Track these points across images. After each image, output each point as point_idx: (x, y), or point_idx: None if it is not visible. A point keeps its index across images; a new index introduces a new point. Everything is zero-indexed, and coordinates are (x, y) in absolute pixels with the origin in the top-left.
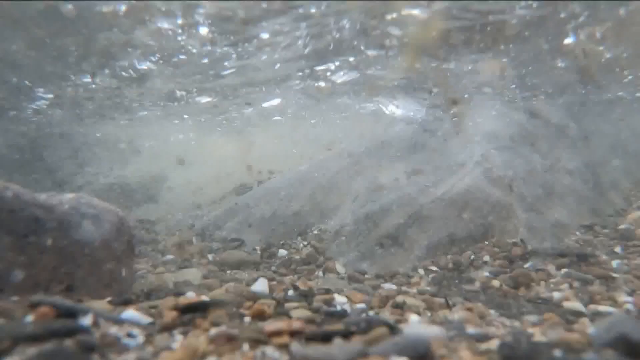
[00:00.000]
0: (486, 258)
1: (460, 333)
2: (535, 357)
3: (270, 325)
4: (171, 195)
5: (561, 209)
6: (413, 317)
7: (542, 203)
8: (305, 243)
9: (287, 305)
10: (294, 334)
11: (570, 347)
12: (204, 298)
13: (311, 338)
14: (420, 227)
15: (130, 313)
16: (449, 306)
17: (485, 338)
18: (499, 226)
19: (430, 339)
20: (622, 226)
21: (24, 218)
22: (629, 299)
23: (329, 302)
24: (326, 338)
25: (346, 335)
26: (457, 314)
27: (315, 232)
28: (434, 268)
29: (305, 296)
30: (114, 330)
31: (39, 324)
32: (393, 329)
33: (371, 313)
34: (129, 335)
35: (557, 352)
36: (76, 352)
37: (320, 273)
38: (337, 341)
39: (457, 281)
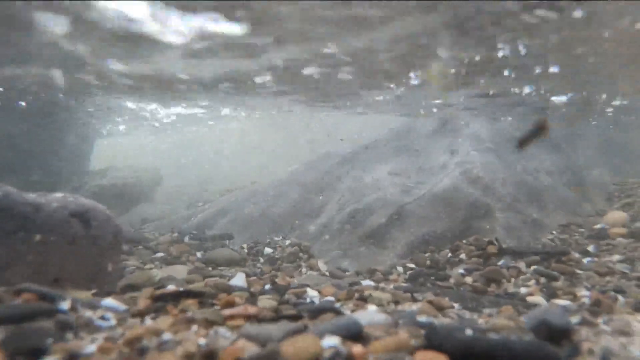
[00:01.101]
0: (462, 256)
1: (409, 321)
2: (449, 335)
3: (228, 310)
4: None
5: (540, 209)
6: (371, 308)
7: (521, 203)
8: (290, 242)
9: (260, 297)
10: (249, 317)
11: (497, 330)
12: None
13: (264, 320)
14: (400, 226)
15: (108, 301)
16: (413, 299)
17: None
18: (477, 225)
19: (367, 323)
20: (598, 226)
21: (13, 215)
22: (587, 293)
23: (300, 295)
24: (277, 320)
25: (296, 318)
26: (415, 306)
27: (301, 231)
28: (412, 265)
29: (279, 290)
30: (89, 314)
31: (21, 306)
32: (339, 314)
33: (338, 304)
34: (103, 318)
35: (469, 331)
36: (53, 329)
37: (303, 270)
38: (283, 322)
39: (433, 278)
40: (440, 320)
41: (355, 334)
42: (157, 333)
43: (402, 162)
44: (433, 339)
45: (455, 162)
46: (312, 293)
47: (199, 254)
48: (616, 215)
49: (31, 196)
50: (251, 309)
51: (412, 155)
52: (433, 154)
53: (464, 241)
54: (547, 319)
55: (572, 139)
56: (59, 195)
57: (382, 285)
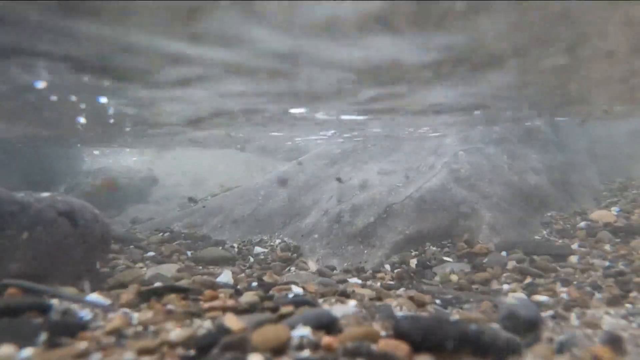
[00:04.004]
0: (449, 254)
1: (386, 315)
2: (412, 324)
3: (207, 304)
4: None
5: (526, 208)
6: (351, 303)
7: (507, 202)
8: (280, 241)
9: (245, 293)
10: (226, 310)
11: (466, 321)
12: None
13: (241, 312)
14: (388, 226)
15: (93, 296)
16: (396, 296)
17: None
18: (464, 224)
19: (342, 315)
20: (582, 224)
21: (1, 213)
22: (565, 289)
23: (285, 292)
24: (253, 312)
25: (272, 310)
26: (396, 302)
27: (290, 230)
28: (399, 264)
29: (265, 287)
30: (74, 307)
31: (6, 300)
32: (314, 307)
33: (319, 300)
34: (87, 311)
35: (431, 319)
36: (36, 321)
37: (292, 269)
38: (258, 313)
39: (419, 276)
40: (413, 313)
41: (326, 325)
42: (137, 323)
43: (391, 162)
44: (399, 329)
45: (443, 162)
46: (297, 290)
47: (189, 253)
48: (601, 213)
49: (19, 195)
50: (229, 302)
51: (400, 156)
52: (421, 154)
53: (451, 240)
54: (514, 311)
55: (560, 139)
56: (46, 194)
57: (369, 282)
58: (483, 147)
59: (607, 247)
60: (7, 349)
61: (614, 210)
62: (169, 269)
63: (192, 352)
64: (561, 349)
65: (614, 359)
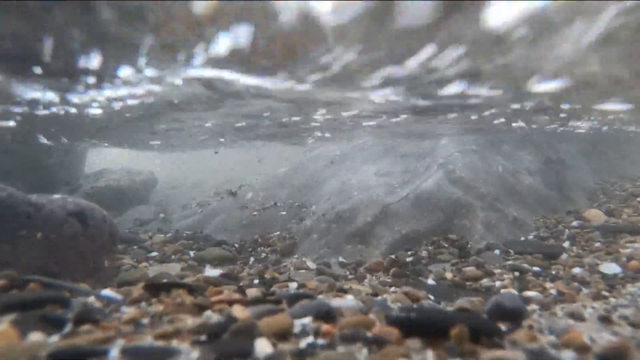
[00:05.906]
0: (444, 252)
1: (381, 308)
2: (401, 313)
3: (214, 297)
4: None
5: (520, 208)
6: (349, 297)
7: (501, 202)
8: (279, 240)
9: (248, 290)
10: (232, 302)
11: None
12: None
13: (246, 304)
14: (385, 225)
15: (106, 292)
16: (391, 292)
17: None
18: (458, 223)
19: (340, 307)
20: (574, 223)
21: (17, 214)
22: (552, 284)
23: (285, 288)
24: (258, 304)
25: (275, 302)
26: (392, 297)
27: (290, 229)
28: (395, 262)
29: (266, 284)
30: (90, 300)
31: (29, 293)
32: (314, 300)
33: (320, 296)
34: (103, 305)
35: (419, 309)
36: (59, 313)
37: (292, 267)
38: (263, 305)
39: (415, 274)
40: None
41: (325, 315)
42: (151, 314)
43: (388, 164)
44: (390, 318)
45: (439, 163)
46: (296, 287)
47: (191, 253)
48: (593, 213)
49: (33, 197)
50: (235, 296)
51: (397, 157)
52: (418, 155)
53: (446, 239)
54: (500, 302)
55: (555, 140)
56: (58, 196)
57: (366, 280)
58: (478, 148)
59: (597, 244)
60: (37, 335)
61: (605, 209)
62: (172, 268)
63: (204, 337)
64: (541, 333)
65: (583, 344)
